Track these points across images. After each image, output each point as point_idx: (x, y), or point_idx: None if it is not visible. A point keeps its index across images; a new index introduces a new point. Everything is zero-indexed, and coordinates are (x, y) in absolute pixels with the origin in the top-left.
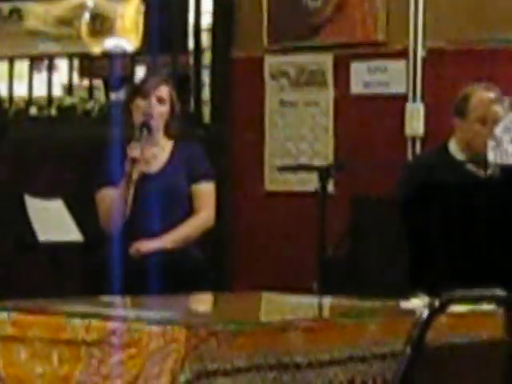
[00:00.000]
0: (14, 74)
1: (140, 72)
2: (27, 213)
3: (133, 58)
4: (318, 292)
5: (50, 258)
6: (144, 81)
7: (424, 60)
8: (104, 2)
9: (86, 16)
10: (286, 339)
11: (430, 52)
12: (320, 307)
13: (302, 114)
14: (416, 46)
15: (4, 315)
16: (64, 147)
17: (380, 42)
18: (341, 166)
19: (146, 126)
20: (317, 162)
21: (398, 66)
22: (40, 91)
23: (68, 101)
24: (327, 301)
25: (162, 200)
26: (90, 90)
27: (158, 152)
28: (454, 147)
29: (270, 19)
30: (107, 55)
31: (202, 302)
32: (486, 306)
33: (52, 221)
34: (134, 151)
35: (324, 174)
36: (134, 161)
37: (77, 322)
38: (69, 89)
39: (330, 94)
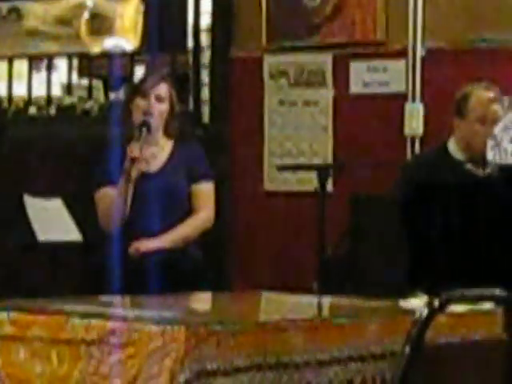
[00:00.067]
0: (13, 74)
1: (139, 72)
2: (27, 213)
3: (132, 58)
4: (318, 291)
5: (50, 257)
6: (143, 80)
7: (423, 60)
8: (103, 1)
9: (86, 16)
10: (286, 339)
11: (429, 52)
12: (319, 307)
13: (301, 114)
14: (415, 45)
15: (4, 315)
16: (63, 147)
17: (379, 42)
18: (340, 165)
19: (145, 125)
20: (316, 162)
21: (397, 65)
22: (39, 91)
23: (67, 100)
24: (327, 300)
25: (162, 200)
26: (90, 89)
27: (157, 151)
28: (453, 147)
29: (269, 19)
30: (106, 55)
31: (202, 302)
32: (486, 306)
33: (51, 220)
34: (133, 150)
35: (323, 173)
36: (134, 160)
37: (76, 321)
38: (68, 88)
39: (329, 93)
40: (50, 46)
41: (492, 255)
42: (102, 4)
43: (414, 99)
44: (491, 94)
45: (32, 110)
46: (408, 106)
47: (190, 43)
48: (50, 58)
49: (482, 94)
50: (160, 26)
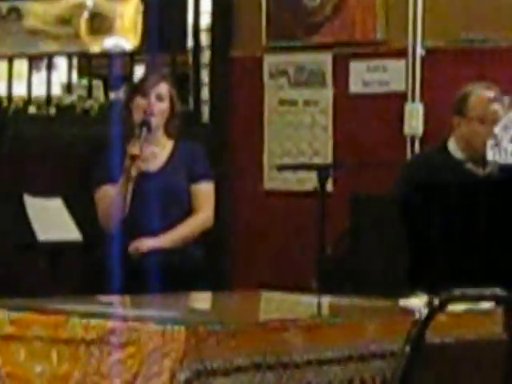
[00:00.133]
0: (13, 73)
1: (139, 71)
2: (27, 212)
3: (132, 58)
4: (318, 291)
5: (50, 257)
6: (144, 79)
7: (423, 59)
8: (103, 1)
9: (85, 15)
10: (286, 338)
11: (429, 51)
12: (319, 306)
13: (301, 113)
14: (415, 45)
15: (3, 314)
16: (63, 146)
17: (379, 41)
18: (340, 165)
19: (145, 123)
20: (316, 161)
21: (397, 65)
22: (39, 90)
23: (67, 100)
24: (326, 300)
25: (161, 199)
26: (89, 89)
27: (157, 151)
28: (453, 146)
29: (268, 18)
30: (106, 54)
31: (202, 301)
32: (486, 305)
33: (51, 220)
34: (133, 149)
35: (323, 173)
36: (134, 158)
37: (76, 321)
38: (68, 88)
39: (329, 93)
40: (49, 46)
41: (492, 255)
42: (102, 3)
43: (413, 99)
44: (491, 94)
45: (32, 110)
46: (408, 106)
47: (190, 43)
48: (50, 57)
49: (482, 94)
50: (160, 26)
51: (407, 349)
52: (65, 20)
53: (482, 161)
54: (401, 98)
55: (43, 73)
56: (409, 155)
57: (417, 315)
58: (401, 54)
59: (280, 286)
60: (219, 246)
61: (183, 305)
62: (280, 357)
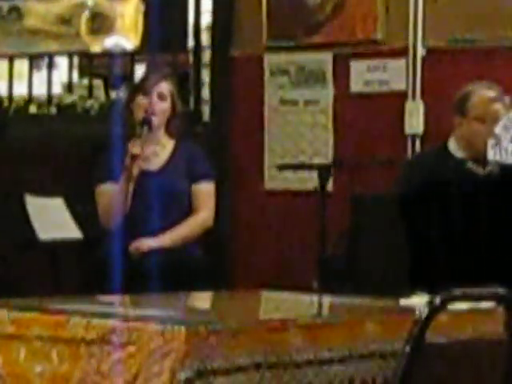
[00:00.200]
0: (14, 73)
1: (140, 71)
2: (27, 211)
3: (132, 57)
4: (318, 291)
5: (50, 256)
6: (145, 78)
7: (424, 59)
8: (104, 0)
9: (86, 15)
10: (286, 338)
11: (429, 51)
12: (320, 306)
13: (302, 113)
14: (416, 44)
15: (3, 313)
16: (64, 146)
17: (380, 41)
18: (340, 164)
19: (146, 122)
20: (316, 161)
21: (397, 64)
22: (40, 89)
23: (68, 99)
24: (327, 299)
25: (162, 198)
26: (90, 88)
27: (158, 150)
28: (453, 145)
29: (269, 18)
30: (107, 54)
31: (202, 301)
32: (486, 305)
33: (52, 219)
34: (134, 148)
35: (323, 172)
36: (135, 157)
37: (76, 320)
38: (68, 87)
39: (329, 92)
40: (50, 45)
41: (492, 254)
42: (103, 3)
43: (414, 98)
44: (492, 93)
45: (33, 109)
46: (408, 105)
47: (191, 42)
48: (51, 56)
49: (483, 93)
50: (160, 25)
51: (408, 348)
52: (65, 19)
53: (482, 160)
54: (401, 97)
55: (44, 72)
56: (410, 154)
57: (417, 314)
58: (401, 53)
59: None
60: (220, 245)
61: (183, 304)
62: (280, 356)
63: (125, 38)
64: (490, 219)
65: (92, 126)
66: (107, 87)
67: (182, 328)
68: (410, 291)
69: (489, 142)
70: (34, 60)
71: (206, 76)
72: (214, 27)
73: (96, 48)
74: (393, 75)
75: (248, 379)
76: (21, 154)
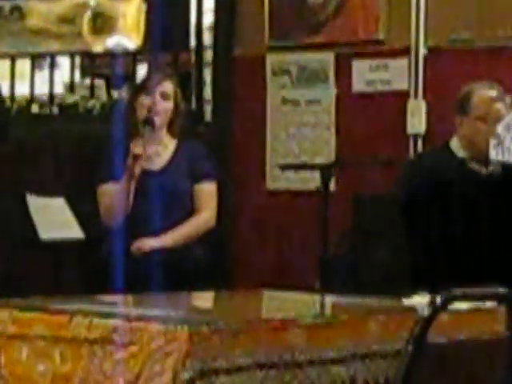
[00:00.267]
0: (16, 73)
1: (142, 70)
2: (29, 211)
3: (134, 57)
4: (320, 290)
5: (52, 256)
6: (147, 77)
7: (425, 58)
8: (106, 0)
9: (88, 14)
10: (288, 337)
11: (431, 50)
12: (322, 305)
13: (304, 113)
14: (418, 44)
15: (6, 313)
16: (66, 145)
17: (382, 40)
18: (343, 164)
19: (149, 122)
20: (319, 161)
21: (399, 64)
22: (42, 89)
23: (70, 99)
24: (329, 299)
25: (164, 198)
26: (92, 88)
27: (161, 150)
28: (455, 145)
29: (271, 17)
30: (109, 53)
31: (204, 301)
32: (488, 304)
33: (54, 219)
34: (136, 148)
35: (326, 172)
36: (137, 157)
37: (79, 320)
38: (70, 87)
39: (331, 92)
40: (52, 45)
41: (494, 254)
42: (105, 3)
43: (416, 97)
44: (494, 93)
45: (35, 109)
46: (410, 105)
47: (193, 42)
48: (53, 56)
49: (484, 93)
50: (162, 25)
51: (410, 348)
52: (67, 19)
53: (484, 160)
54: (403, 96)
55: (46, 72)
56: (412, 154)
57: (419, 314)
58: (403, 52)
59: (283, 285)
60: (222, 245)
61: (186, 304)
62: (282, 356)
63: (127, 37)
64: (492, 219)
65: (94, 126)
66: (109, 87)
67: (185, 328)
68: (411, 291)
69: (491, 142)
70: (35, 60)
71: (207, 76)
72: (216, 27)
73: (98, 48)
74: (395, 75)
75: (250, 379)
76: (23, 154)
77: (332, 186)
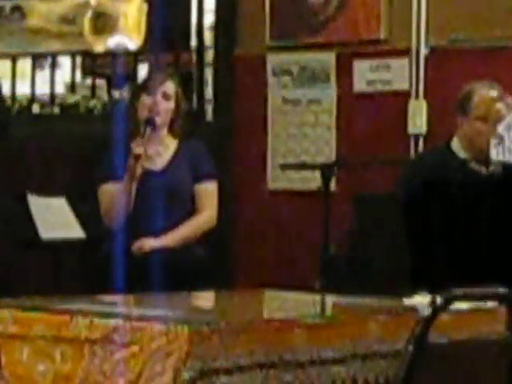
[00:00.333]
0: (17, 72)
1: (143, 70)
2: (30, 210)
3: (135, 57)
4: (321, 290)
5: (53, 255)
6: (149, 77)
7: (427, 58)
8: (107, 0)
9: (89, 14)
10: (289, 337)
11: (432, 50)
12: (322, 305)
13: (305, 112)
14: (419, 44)
15: (6, 313)
16: (66, 145)
17: (383, 40)
18: (343, 164)
19: (150, 122)
20: (319, 160)
21: (400, 64)
22: (43, 89)
23: (71, 99)
24: (330, 299)
25: (165, 198)
26: (93, 87)
27: (162, 149)
28: (456, 145)
29: (272, 17)
30: (110, 53)
31: (205, 300)
32: (489, 304)
33: (54, 218)
34: (137, 148)
35: (327, 172)
36: (138, 157)
37: (80, 320)
38: (71, 87)
39: (332, 91)
40: (53, 45)
41: (495, 254)
42: (106, 3)
43: (417, 97)
44: (494, 93)
45: (36, 109)
46: (411, 105)
47: (194, 42)
48: (54, 56)
49: (484, 93)
50: (163, 25)
51: (410, 348)
52: (68, 19)
53: (485, 160)
54: (404, 96)
55: (47, 72)
56: (413, 154)
57: (420, 314)
58: (404, 52)
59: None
60: (222, 245)
61: (186, 304)
62: (283, 356)
63: (128, 37)
64: (493, 219)
65: (95, 126)
66: (110, 87)
67: (185, 328)
68: (411, 291)
69: (491, 142)
70: (36, 59)
71: (208, 76)
72: (217, 27)
73: (99, 48)
74: (396, 75)
75: (250, 379)
76: (23, 154)
77: (333, 185)
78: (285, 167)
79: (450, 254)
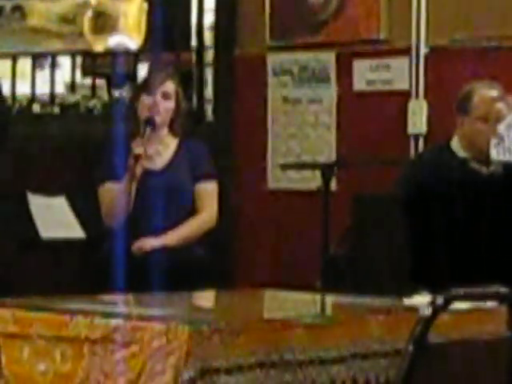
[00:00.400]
0: (17, 72)
1: (143, 70)
2: (30, 210)
3: (136, 56)
4: (321, 290)
5: (53, 255)
6: (149, 77)
7: (427, 58)
8: None
9: (89, 14)
10: (289, 337)
11: (432, 50)
12: (323, 305)
13: (305, 112)
14: (419, 43)
15: (6, 312)
16: (66, 145)
17: (383, 40)
18: (343, 163)
19: (150, 121)
20: (320, 160)
21: (400, 63)
22: (43, 89)
23: (71, 98)
24: (330, 299)
25: (165, 197)
26: (93, 87)
27: (162, 149)
28: (456, 144)
29: (272, 17)
30: (110, 53)
31: (205, 300)
32: (489, 304)
33: (54, 218)
34: (137, 148)
35: (327, 171)
36: (138, 157)
37: (80, 319)
38: (71, 86)
39: (332, 91)
40: (53, 44)
41: (495, 253)
42: (106, 2)
43: (417, 97)
44: (494, 93)
45: (36, 108)
46: (411, 104)
47: (194, 41)
48: (54, 56)
49: (485, 92)
50: (164, 25)
51: (411, 347)
52: (68, 18)
53: (485, 159)
54: (404, 96)
55: (47, 71)
56: (413, 154)
57: (420, 314)
58: (404, 52)
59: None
60: (222, 245)
61: (186, 304)
62: (283, 355)
63: (128, 37)
64: (493, 219)
65: (95, 126)
66: (110, 86)
67: (186, 327)
68: (412, 291)
69: (492, 142)
70: (36, 59)
71: (209, 75)
72: (217, 26)
73: (99, 47)
74: (396, 74)
75: (251, 378)
76: (23, 153)
77: (333, 185)
78: (285, 167)
79: (450, 253)
